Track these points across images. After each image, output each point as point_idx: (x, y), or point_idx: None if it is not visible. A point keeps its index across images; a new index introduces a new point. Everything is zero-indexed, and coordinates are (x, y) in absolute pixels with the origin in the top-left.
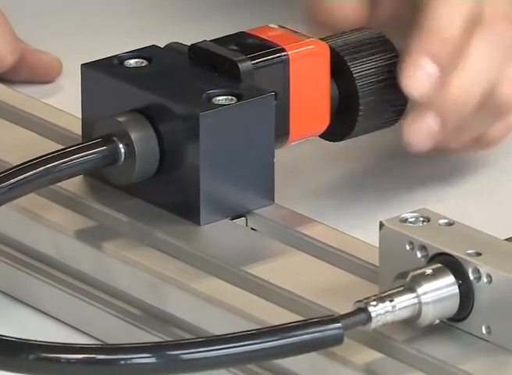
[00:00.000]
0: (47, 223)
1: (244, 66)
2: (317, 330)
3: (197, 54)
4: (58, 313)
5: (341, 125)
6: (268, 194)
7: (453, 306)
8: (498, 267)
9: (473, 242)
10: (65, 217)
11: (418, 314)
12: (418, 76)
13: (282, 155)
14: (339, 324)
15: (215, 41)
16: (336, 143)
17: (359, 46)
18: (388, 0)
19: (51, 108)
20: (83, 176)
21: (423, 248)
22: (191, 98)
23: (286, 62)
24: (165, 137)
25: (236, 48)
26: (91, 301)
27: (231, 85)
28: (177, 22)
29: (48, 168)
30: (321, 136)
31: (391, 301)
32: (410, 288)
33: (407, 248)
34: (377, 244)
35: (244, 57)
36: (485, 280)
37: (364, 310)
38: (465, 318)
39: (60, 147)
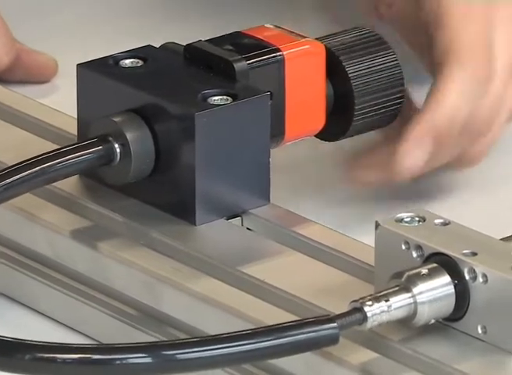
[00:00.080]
0: (43, 223)
1: (239, 65)
2: (312, 330)
3: (193, 54)
4: (54, 313)
5: (337, 125)
6: (264, 193)
7: (448, 306)
8: (493, 267)
9: (469, 242)
10: (60, 217)
11: (414, 314)
12: (416, 154)
13: (277, 155)
14: (334, 324)
15: (210, 40)
16: (332, 143)
17: (354, 46)
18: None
19: (46, 108)
20: (78, 176)
21: (419, 247)
22: (187, 98)
23: (281, 62)
24: (161, 137)
25: (231, 47)
26: (87, 301)
27: (226, 85)
28: (172, 22)
29: (44, 168)
30: (316, 136)
31: (386, 301)
32: (406, 288)
33: (403, 247)
34: (373, 244)
35: (240, 57)
36: (480, 279)
37: (359, 310)
38: (461, 318)
39: (56, 147)
